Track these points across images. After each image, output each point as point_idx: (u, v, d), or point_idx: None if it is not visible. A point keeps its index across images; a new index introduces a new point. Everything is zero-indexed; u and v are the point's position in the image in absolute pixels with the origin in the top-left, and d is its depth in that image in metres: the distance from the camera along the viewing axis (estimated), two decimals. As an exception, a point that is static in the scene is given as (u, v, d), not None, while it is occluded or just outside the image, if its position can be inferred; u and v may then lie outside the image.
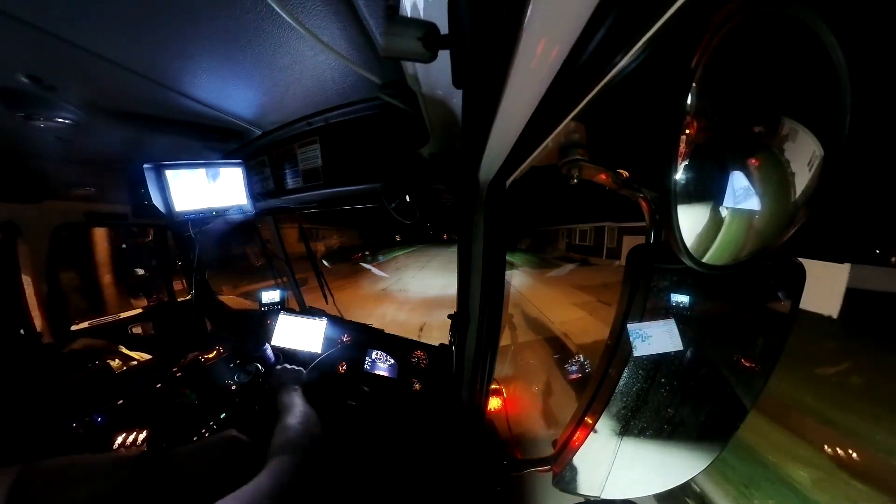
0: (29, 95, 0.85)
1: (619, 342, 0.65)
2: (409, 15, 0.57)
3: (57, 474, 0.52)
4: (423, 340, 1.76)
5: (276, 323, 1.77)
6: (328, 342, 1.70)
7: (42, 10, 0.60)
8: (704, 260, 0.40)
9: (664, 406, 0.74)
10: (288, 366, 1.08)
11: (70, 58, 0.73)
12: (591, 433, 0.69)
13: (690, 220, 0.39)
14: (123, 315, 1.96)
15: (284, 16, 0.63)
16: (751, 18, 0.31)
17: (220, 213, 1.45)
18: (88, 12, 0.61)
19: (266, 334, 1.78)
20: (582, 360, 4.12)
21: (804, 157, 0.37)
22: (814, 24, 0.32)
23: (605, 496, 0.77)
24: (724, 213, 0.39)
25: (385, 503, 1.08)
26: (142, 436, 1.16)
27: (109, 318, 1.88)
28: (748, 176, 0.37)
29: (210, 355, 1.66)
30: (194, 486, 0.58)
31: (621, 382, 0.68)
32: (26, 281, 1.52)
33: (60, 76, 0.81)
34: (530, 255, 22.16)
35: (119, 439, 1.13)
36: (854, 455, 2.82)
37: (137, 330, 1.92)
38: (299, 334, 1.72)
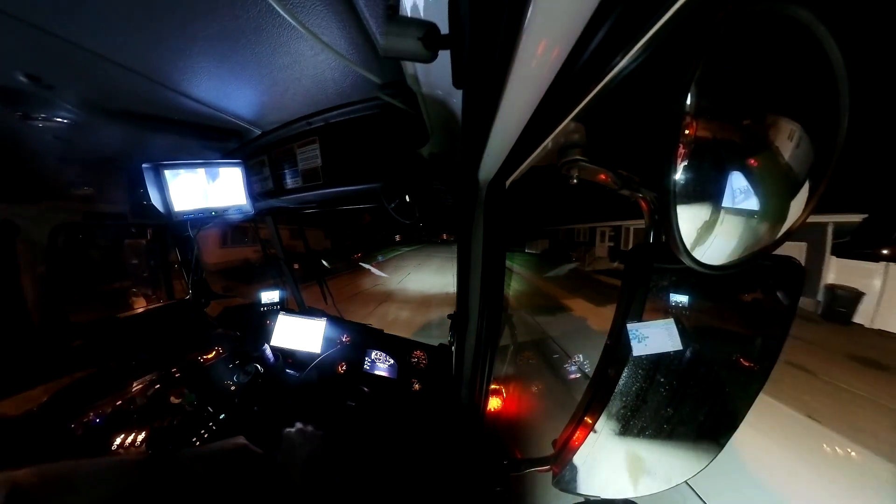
0: (27, 94, 0.85)
1: (618, 342, 0.65)
2: (409, 15, 0.57)
3: (57, 480, 0.50)
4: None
5: (275, 323, 1.77)
6: (327, 342, 1.70)
7: (41, 8, 0.59)
8: (703, 260, 0.40)
9: (664, 406, 0.75)
10: (300, 434, 0.94)
11: (69, 57, 0.73)
12: (591, 433, 0.69)
13: (689, 220, 0.39)
14: (123, 315, 1.95)
15: (284, 15, 0.63)
16: (749, 20, 0.31)
17: (220, 213, 1.44)
18: (88, 11, 0.61)
19: (265, 334, 1.78)
20: (581, 359, 4.13)
21: (803, 156, 0.37)
22: (812, 26, 0.33)
23: (605, 496, 0.77)
24: (722, 213, 0.39)
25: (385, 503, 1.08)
26: (140, 437, 1.15)
27: (109, 317, 1.87)
28: (747, 176, 0.38)
29: (209, 356, 1.65)
30: (202, 490, 0.57)
31: (621, 382, 0.68)
32: (25, 280, 1.51)
33: (59, 75, 0.81)
34: (540, 263, 15.39)
35: (118, 440, 1.12)
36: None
37: (137, 330, 1.91)
38: (298, 334, 1.71)
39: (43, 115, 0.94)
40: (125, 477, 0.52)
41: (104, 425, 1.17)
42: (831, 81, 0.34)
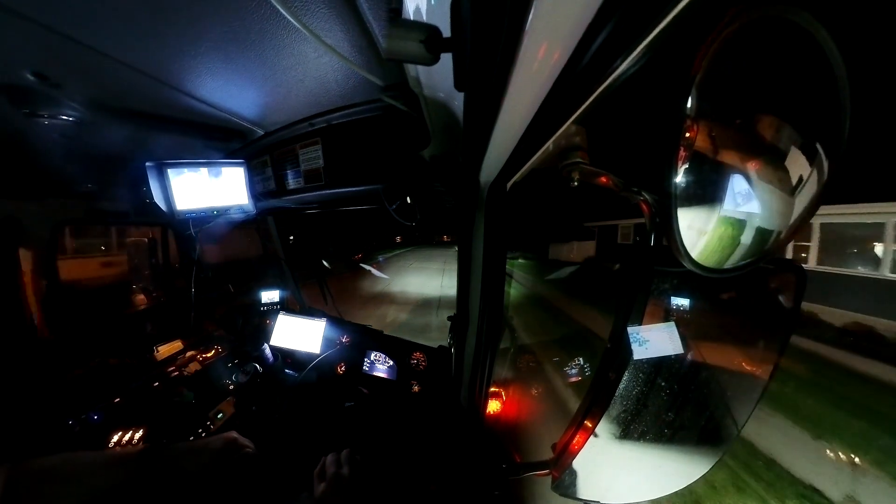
0: (34, 92, 0.86)
1: (618, 345, 0.65)
2: (411, 18, 0.57)
3: (51, 473, 0.50)
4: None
5: (274, 323, 1.77)
6: (327, 343, 1.70)
7: (49, 8, 0.60)
8: (704, 263, 0.40)
9: (664, 410, 0.74)
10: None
11: (76, 56, 0.73)
12: (591, 437, 0.69)
13: (690, 223, 0.39)
14: (123, 311, 1.95)
15: (288, 17, 0.64)
16: (752, 23, 0.31)
17: (222, 212, 1.45)
18: (95, 11, 0.62)
19: (265, 334, 1.78)
20: (581, 362, 4.12)
21: (805, 159, 0.37)
22: (814, 30, 0.33)
23: (605, 501, 0.76)
24: (724, 216, 0.39)
25: (382, 506, 1.07)
26: (138, 434, 1.16)
27: (109, 313, 1.87)
28: (748, 179, 0.38)
29: (208, 354, 1.65)
30: (192, 483, 0.57)
31: (621, 386, 0.67)
32: (26, 276, 1.52)
33: (66, 74, 0.82)
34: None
35: (115, 437, 1.13)
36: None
37: (137, 327, 1.92)
38: (298, 334, 1.71)
39: (49, 113, 0.94)
40: (119, 470, 0.52)
41: (103, 423, 1.17)
42: (832, 84, 0.34)
